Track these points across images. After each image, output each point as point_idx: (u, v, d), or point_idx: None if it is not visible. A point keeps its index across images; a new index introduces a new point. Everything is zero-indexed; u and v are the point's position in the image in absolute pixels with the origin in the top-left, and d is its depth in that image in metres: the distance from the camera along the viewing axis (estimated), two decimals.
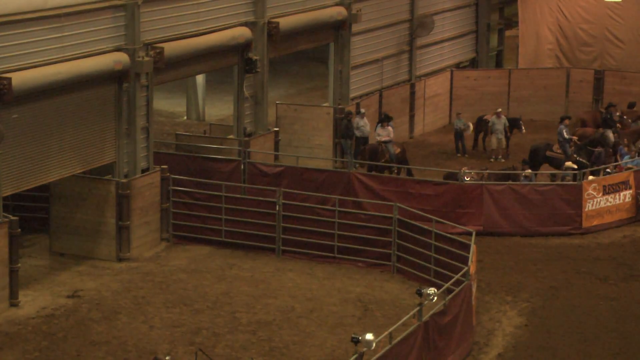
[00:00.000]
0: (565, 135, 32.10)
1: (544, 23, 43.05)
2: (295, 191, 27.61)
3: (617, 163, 30.87)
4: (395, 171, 31.29)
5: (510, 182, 29.04)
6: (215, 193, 26.97)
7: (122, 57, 25.64)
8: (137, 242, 26.09)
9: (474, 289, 22.48)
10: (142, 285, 24.32)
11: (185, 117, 38.61)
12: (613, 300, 24.34)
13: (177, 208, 27.09)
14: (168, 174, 27.11)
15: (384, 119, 32.85)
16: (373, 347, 17.61)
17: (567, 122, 32.97)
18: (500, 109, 35.33)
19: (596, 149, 31.50)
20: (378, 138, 32.16)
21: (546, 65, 42.25)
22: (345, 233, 25.97)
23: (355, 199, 28.20)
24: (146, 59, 26.14)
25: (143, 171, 26.64)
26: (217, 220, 26.82)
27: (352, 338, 17.41)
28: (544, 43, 42.97)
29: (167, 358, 17.39)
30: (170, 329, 22.04)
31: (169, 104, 39.44)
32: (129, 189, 25.77)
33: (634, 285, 25.28)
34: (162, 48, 26.68)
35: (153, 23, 26.82)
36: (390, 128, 32.40)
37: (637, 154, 31.31)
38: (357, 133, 33.03)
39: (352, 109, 33.86)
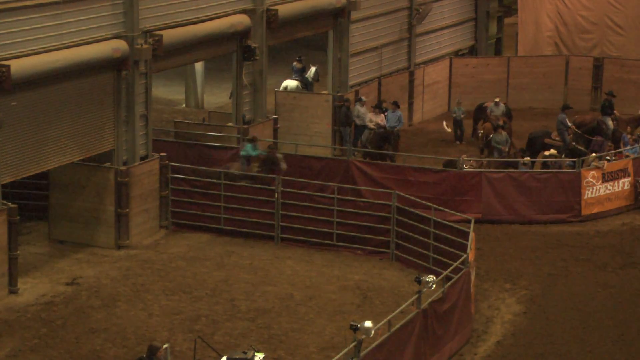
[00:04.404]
0: (566, 125, 32.07)
1: (544, 10, 42.98)
2: (294, 179, 27.60)
3: (618, 150, 30.85)
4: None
5: (510, 169, 29.08)
6: (214, 180, 26.97)
7: (121, 45, 25.61)
8: (136, 230, 26.10)
9: (472, 277, 22.51)
10: (141, 272, 24.33)
11: (184, 105, 38.58)
12: (612, 288, 24.37)
13: (176, 196, 27.09)
14: (167, 161, 27.10)
15: (377, 106, 33.14)
16: (372, 335, 17.59)
17: (566, 111, 32.95)
18: (498, 99, 35.29)
19: (594, 138, 31.51)
20: (370, 124, 32.26)
21: (545, 53, 42.19)
22: (344, 221, 25.97)
23: (354, 186, 28.18)
24: (145, 46, 26.11)
25: (142, 159, 26.63)
26: (216, 207, 26.82)
27: (351, 325, 17.38)
28: (543, 30, 42.90)
29: (165, 346, 17.37)
30: (169, 316, 22.06)
31: (167, 92, 39.40)
32: (127, 177, 25.76)
33: (633, 272, 25.30)
34: (161, 35, 26.64)
35: (152, 10, 26.78)
36: (382, 115, 32.62)
37: (635, 142, 31.30)
38: (357, 121, 33.03)
39: (351, 96, 33.85)
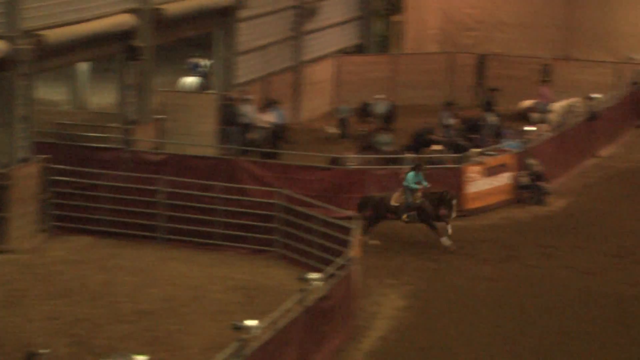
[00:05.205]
0: (449, 121, 32.58)
1: (429, 8, 43.56)
2: (179, 179, 27.46)
3: (499, 146, 31.38)
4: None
5: (394, 166, 29.36)
6: (97, 182, 26.70)
7: (1, 45, 25.16)
8: (16, 234, 25.58)
9: (357, 273, 22.66)
10: (20, 277, 23.87)
11: (67, 106, 38.05)
12: (493, 281, 24.81)
13: (58, 198, 26.70)
14: (49, 163, 26.73)
15: (267, 105, 33.21)
16: (255, 334, 17.61)
17: (449, 107, 33.48)
18: (380, 96, 35.64)
19: (476, 134, 32.06)
20: (262, 124, 32.36)
21: (431, 50, 42.75)
22: (229, 220, 25.96)
23: (239, 185, 28.16)
24: (26, 46, 25.69)
25: (22, 161, 26.20)
26: (99, 209, 26.55)
27: (234, 325, 17.40)
28: (428, 28, 43.46)
29: (43, 351, 17.14)
30: (49, 321, 21.69)
31: (51, 93, 38.76)
32: (7, 180, 25.31)
33: (513, 265, 25.80)
34: (43, 35, 26.25)
35: (33, 10, 26.30)
36: (271, 113, 32.75)
37: (515, 137, 31.87)
38: (243, 120, 33.04)
39: (238, 95, 33.82)
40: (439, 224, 26.62)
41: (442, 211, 26.36)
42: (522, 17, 42.99)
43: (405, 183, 26.78)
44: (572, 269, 25.54)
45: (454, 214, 26.43)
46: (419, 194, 26.53)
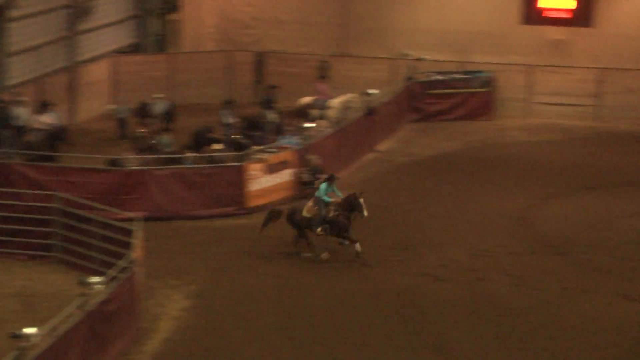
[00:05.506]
0: (229, 119, 32.63)
1: (206, 6, 43.52)
2: None
3: (280, 143, 31.62)
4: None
5: (175, 166, 29.17)
6: None
7: None
8: None
9: (139, 275, 22.38)
10: None
11: None
12: (276, 277, 24.98)
13: None
14: None
15: (42, 106, 32.38)
16: (35, 342, 17.14)
17: (229, 105, 33.54)
18: (158, 95, 35.37)
19: (256, 133, 32.26)
20: (37, 126, 31.52)
21: (209, 49, 42.73)
22: (4, 226, 25.13)
23: (14, 190, 27.29)
24: None
25: None
26: None
27: (12, 334, 16.88)
28: (206, 26, 43.42)
29: None
30: None
31: None
32: None
33: (296, 261, 26.03)
34: None
35: None
36: (49, 115, 31.92)
37: (294, 134, 32.21)
38: (16, 122, 32.06)
39: (10, 97, 32.79)
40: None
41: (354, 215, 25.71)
42: (299, 14, 43.51)
43: (317, 194, 25.88)
44: (353, 262, 25.98)
45: (365, 212, 25.63)
46: (332, 206, 25.69)
